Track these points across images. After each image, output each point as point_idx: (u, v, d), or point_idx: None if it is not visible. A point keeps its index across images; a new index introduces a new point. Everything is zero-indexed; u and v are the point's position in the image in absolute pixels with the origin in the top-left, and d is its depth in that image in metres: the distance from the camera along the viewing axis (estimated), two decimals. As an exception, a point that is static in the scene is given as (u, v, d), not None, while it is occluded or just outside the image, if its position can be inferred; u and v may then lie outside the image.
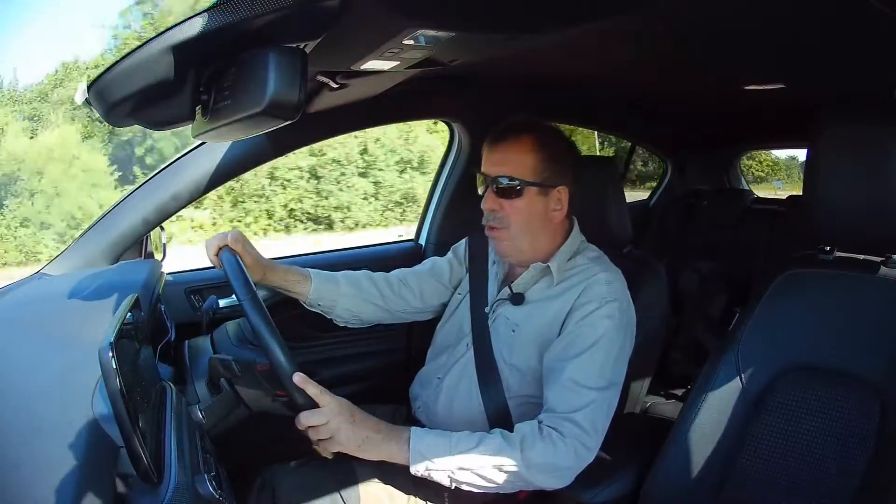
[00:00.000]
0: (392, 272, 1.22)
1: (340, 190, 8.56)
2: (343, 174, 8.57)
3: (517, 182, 1.01)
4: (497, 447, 0.88)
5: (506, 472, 0.88)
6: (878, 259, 0.99)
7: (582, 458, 0.91)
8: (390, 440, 0.88)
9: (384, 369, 1.56)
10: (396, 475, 0.97)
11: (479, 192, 1.06)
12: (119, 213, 1.24)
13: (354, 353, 1.55)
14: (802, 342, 0.98)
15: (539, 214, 1.03)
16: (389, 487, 0.97)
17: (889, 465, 0.87)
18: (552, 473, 0.90)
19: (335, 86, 1.02)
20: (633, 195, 2.92)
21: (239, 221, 8.08)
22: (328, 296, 1.12)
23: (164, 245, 1.35)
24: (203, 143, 1.24)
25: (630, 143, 2.59)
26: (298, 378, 0.85)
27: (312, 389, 0.86)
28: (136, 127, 0.84)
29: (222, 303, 1.35)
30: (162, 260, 1.33)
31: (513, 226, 1.03)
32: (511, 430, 0.91)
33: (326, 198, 8.53)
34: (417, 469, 0.88)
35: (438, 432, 0.91)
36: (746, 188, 2.78)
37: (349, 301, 1.14)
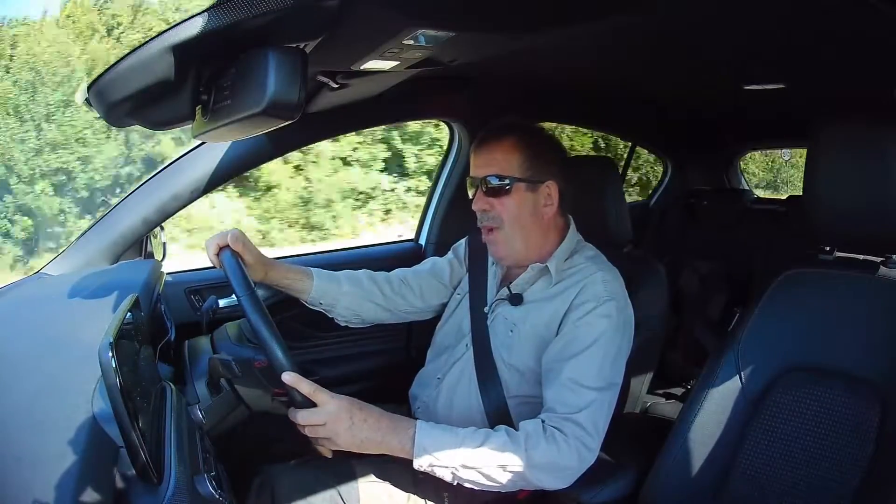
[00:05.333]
0: (393, 271, 1.22)
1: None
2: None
3: (505, 180, 1.02)
4: (502, 446, 0.88)
5: (509, 471, 0.88)
6: (878, 259, 0.99)
7: (584, 460, 0.91)
8: (393, 437, 0.88)
9: (384, 369, 1.56)
10: (396, 474, 0.97)
11: (470, 195, 1.07)
12: (119, 213, 1.24)
13: (354, 353, 1.55)
14: (802, 342, 0.98)
15: (530, 211, 1.04)
16: (389, 486, 0.97)
17: (889, 464, 0.87)
18: (554, 473, 0.90)
19: (335, 86, 1.02)
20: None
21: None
22: (330, 294, 1.12)
23: (164, 245, 1.35)
24: (203, 143, 1.24)
25: (630, 143, 2.59)
26: (290, 377, 0.84)
27: (306, 388, 0.85)
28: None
29: (222, 303, 1.35)
30: (162, 260, 1.33)
31: (505, 224, 1.04)
32: (513, 429, 0.92)
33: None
34: (421, 464, 0.88)
35: (444, 427, 0.90)
36: (747, 188, 2.78)
37: (350, 300, 1.14)
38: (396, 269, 1.23)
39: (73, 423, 0.66)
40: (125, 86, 0.69)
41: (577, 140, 6.42)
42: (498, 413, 1.03)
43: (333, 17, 0.68)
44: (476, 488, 0.90)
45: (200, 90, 0.74)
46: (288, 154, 1.59)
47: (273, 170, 6.07)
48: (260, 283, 1.05)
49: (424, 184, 6.46)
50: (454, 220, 1.68)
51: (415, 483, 0.97)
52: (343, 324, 1.18)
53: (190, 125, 0.82)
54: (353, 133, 5.33)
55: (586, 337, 0.96)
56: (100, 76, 0.71)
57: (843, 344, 0.95)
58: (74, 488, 0.57)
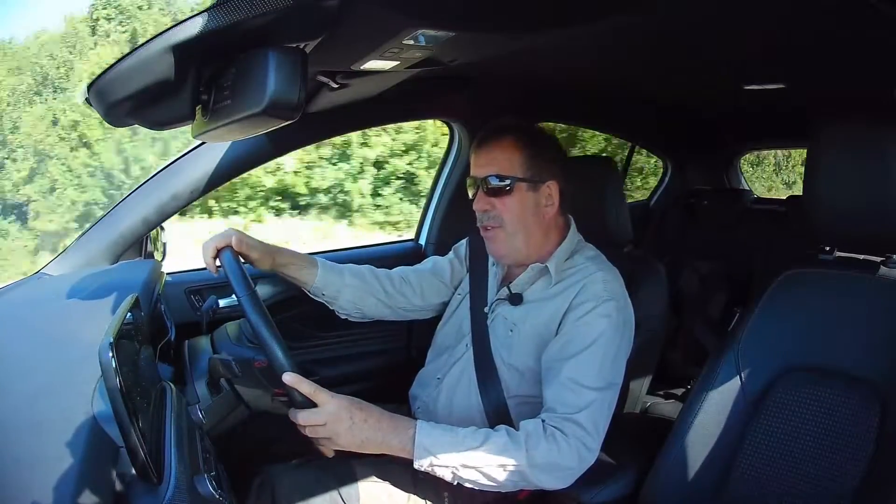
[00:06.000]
0: (394, 269, 1.22)
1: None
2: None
3: (507, 180, 1.02)
4: (502, 446, 0.88)
5: (509, 471, 0.88)
6: (878, 259, 0.99)
7: (584, 460, 0.91)
8: (393, 436, 0.88)
9: (384, 369, 1.56)
10: (396, 474, 0.97)
11: (470, 195, 1.07)
12: (119, 213, 1.24)
13: (354, 352, 1.55)
14: (802, 342, 0.98)
15: (531, 210, 1.04)
16: (389, 486, 0.97)
17: (889, 464, 0.87)
18: (555, 474, 0.90)
19: (335, 86, 1.02)
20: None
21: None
22: (333, 285, 1.13)
23: (164, 245, 1.35)
24: (203, 143, 1.24)
25: (630, 143, 2.59)
26: (291, 378, 0.85)
27: (307, 388, 0.85)
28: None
29: (222, 303, 1.35)
30: (162, 260, 1.33)
31: (507, 223, 1.04)
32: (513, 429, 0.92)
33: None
34: (421, 464, 0.88)
35: (444, 427, 0.90)
36: (747, 188, 2.78)
37: (352, 293, 1.14)
38: (398, 267, 1.23)
39: (73, 423, 0.66)
40: (125, 86, 0.69)
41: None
42: (498, 413, 1.03)
43: (333, 17, 0.68)
44: (476, 488, 0.90)
45: (200, 90, 0.74)
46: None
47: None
48: (264, 279, 1.06)
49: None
50: (454, 220, 1.68)
51: (415, 483, 0.97)
52: (343, 317, 1.18)
53: (190, 125, 0.82)
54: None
55: (586, 337, 0.96)
56: (100, 76, 0.71)
57: (843, 344, 0.95)
58: (74, 489, 0.57)
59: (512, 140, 1.04)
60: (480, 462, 0.87)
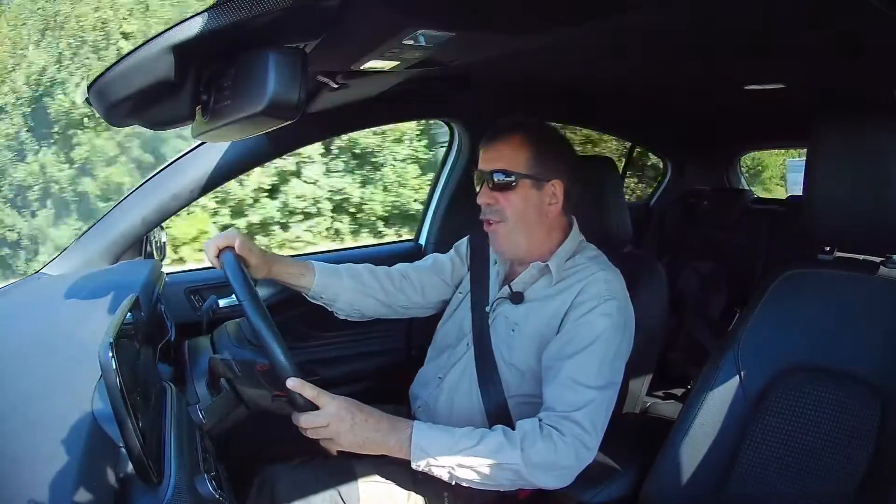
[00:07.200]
0: (394, 266, 1.22)
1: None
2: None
3: (511, 176, 1.02)
4: (498, 446, 0.88)
5: (506, 470, 0.88)
6: (878, 259, 0.99)
7: (582, 458, 0.91)
8: (391, 437, 0.88)
9: (384, 369, 1.56)
10: (396, 473, 0.97)
11: (476, 188, 1.07)
12: (119, 213, 1.24)
13: (354, 352, 1.55)
14: (802, 342, 0.98)
15: (534, 208, 1.04)
16: (389, 486, 0.97)
17: (889, 464, 0.87)
18: (552, 473, 0.90)
19: (335, 86, 1.02)
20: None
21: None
22: (330, 288, 1.13)
23: (164, 245, 1.35)
24: (203, 143, 1.24)
25: (630, 143, 2.59)
26: (294, 383, 0.85)
27: (310, 392, 0.86)
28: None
29: (222, 303, 1.35)
30: (162, 260, 1.33)
31: (509, 218, 1.04)
32: (512, 429, 0.92)
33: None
34: (418, 464, 0.88)
35: (441, 428, 0.91)
36: (747, 188, 2.78)
37: (351, 294, 1.14)
38: (398, 264, 1.22)
39: (73, 422, 0.66)
40: (125, 86, 0.69)
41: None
42: (499, 413, 1.03)
43: (333, 17, 0.68)
44: (474, 487, 0.90)
45: (200, 90, 0.74)
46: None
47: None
48: (260, 282, 1.06)
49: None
50: (454, 220, 1.68)
51: (415, 483, 0.97)
52: (343, 317, 1.18)
53: (190, 125, 0.82)
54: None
55: (586, 335, 0.96)
56: (100, 76, 0.71)
57: (843, 344, 0.95)
58: (73, 488, 0.57)
59: (520, 137, 1.04)
60: (476, 462, 0.87)
